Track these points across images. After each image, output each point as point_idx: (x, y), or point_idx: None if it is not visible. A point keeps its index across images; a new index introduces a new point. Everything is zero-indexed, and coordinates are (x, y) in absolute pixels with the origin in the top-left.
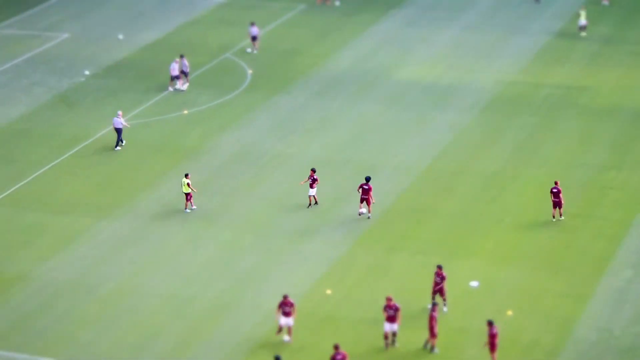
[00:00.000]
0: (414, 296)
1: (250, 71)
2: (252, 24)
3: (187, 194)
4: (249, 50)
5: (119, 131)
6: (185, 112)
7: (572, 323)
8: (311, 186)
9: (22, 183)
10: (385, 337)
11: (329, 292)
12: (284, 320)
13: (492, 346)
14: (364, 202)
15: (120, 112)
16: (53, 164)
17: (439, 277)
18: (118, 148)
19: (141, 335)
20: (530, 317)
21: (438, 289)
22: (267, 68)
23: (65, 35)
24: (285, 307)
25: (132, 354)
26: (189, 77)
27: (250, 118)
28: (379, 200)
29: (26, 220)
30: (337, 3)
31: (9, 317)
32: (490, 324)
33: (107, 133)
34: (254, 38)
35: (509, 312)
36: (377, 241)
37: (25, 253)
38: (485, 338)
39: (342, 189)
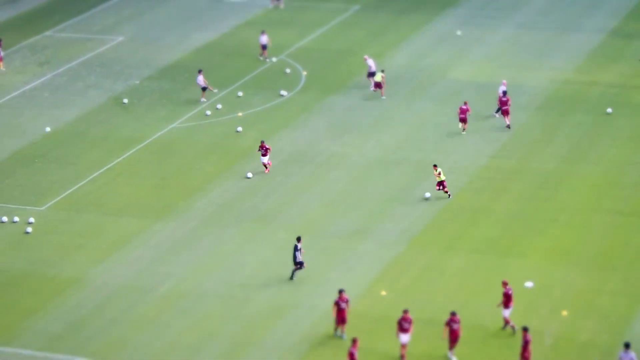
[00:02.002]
0: (470, 296)
1: (304, 72)
2: (263, 32)
3: None
4: (260, 58)
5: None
6: (240, 114)
7: (628, 322)
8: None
9: (78, 185)
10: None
11: (383, 293)
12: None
13: (524, 351)
14: (506, 114)
15: (504, 81)
16: (108, 166)
17: (455, 324)
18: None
19: (197, 337)
20: (585, 316)
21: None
22: (321, 69)
23: (120, 38)
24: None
25: (187, 355)
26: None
27: (305, 119)
28: (435, 199)
29: (82, 222)
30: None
31: (65, 319)
32: (525, 330)
33: (162, 135)
34: (264, 47)
35: (564, 312)
36: (433, 241)
37: (81, 255)
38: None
39: (397, 189)
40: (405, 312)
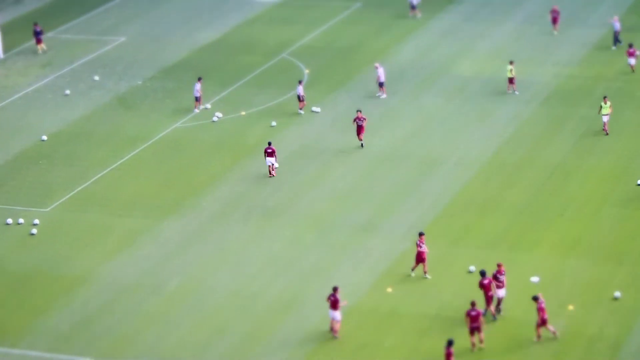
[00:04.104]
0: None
1: (307, 70)
2: (377, 66)
3: None
4: (378, 94)
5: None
6: (243, 113)
7: (636, 314)
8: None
9: (84, 185)
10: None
11: (389, 290)
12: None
13: (541, 320)
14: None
15: (616, 17)
16: (114, 165)
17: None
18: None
19: (206, 333)
20: (593, 309)
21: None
22: (325, 66)
23: (122, 39)
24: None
25: (197, 352)
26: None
27: (310, 114)
28: (442, 193)
29: (89, 221)
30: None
31: (72, 318)
32: (535, 298)
33: (167, 134)
34: (380, 84)
35: (570, 307)
36: (440, 235)
37: (88, 254)
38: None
39: (403, 183)
40: (335, 289)
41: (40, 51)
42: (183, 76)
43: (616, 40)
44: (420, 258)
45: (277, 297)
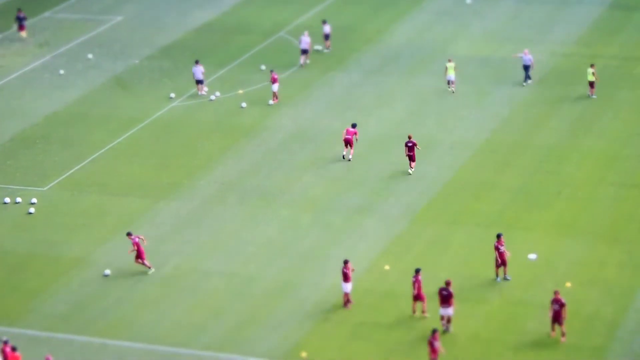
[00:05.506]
0: (475, 270)
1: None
2: (324, 22)
3: None
4: (318, 48)
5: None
6: (241, 91)
7: (633, 294)
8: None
9: (80, 165)
10: None
11: (387, 267)
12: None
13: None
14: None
15: (526, 51)
16: (110, 145)
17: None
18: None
19: (202, 315)
20: (590, 288)
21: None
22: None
23: (119, 18)
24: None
25: (193, 334)
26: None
27: (305, 96)
28: (438, 174)
29: (85, 203)
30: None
31: (69, 300)
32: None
33: (163, 114)
34: (326, 37)
35: (568, 284)
36: (437, 216)
37: (85, 235)
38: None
39: (399, 164)
40: (347, 262)
41: (24, 36)
42: (180, 56)
43: (527, 76)
44: (502, 260)
45: (273, 280)
